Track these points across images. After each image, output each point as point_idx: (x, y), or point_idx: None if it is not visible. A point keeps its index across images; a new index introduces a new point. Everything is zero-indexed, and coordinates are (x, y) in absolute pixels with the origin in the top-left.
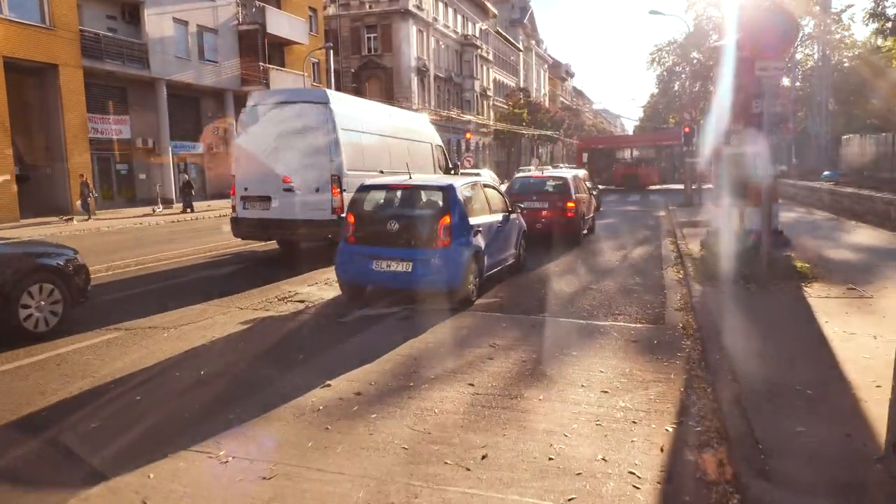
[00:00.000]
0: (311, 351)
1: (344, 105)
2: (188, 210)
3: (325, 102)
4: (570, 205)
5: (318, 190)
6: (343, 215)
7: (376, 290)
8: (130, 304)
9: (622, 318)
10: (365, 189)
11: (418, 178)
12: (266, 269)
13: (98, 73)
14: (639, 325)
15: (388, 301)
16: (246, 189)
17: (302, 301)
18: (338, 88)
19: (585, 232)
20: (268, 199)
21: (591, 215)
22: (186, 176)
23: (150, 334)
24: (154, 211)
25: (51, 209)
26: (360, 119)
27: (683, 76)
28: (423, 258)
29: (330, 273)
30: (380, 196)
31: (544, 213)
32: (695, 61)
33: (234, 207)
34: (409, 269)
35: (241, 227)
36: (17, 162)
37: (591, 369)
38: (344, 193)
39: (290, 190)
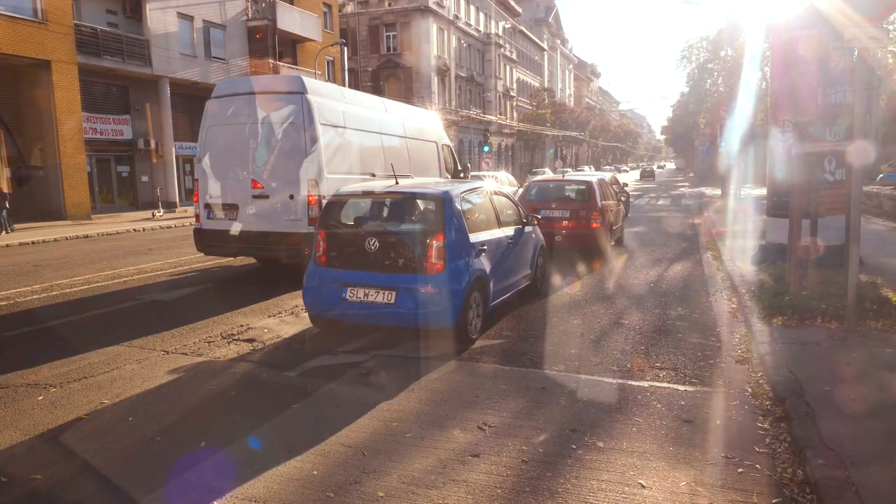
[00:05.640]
0: (222, 432)
1: (325, 95)
2: (3, 231)
3: (301, 92)
4: (596, 214)
5: (292, 197)
6: None
7: (353, 326)
8: (28, 344)
9: (666, 376)
10: (339, 197)
11: (406, 185)
12: (229, 291)
13: (96, 70)
14: (690, 389)
15: (359, 344)
16: (210, 196)
17: (251, 340)
18: (356, 88)
19: (613, 243)
20: (235, 207)
21: (620, 224)
22: None
23: (18, 397)
24: (154, 215)
25: (44, 213)
26: (346, 112)
27: (715, 73)
28: (410, 286)
29: (301, 299)
30: (358, 207)
31: (565, 223)
32: (728, 58)
33: (197, 217)
34: (392, 300)
35: (204, 240)
36: (10, 163)
37: (626, 480)
38: (325, 201)
39: (260, 197)
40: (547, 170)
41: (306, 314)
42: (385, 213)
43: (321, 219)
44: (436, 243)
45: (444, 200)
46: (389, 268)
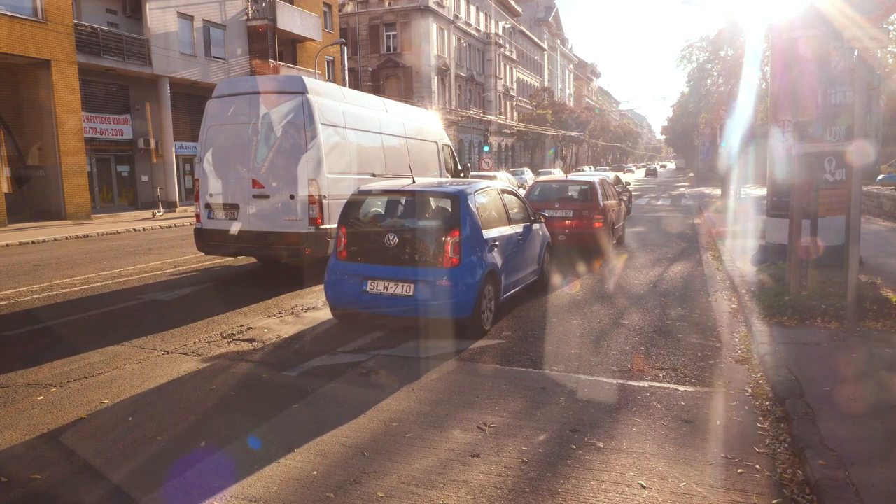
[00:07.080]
0: (222, 432)
1: (325, 95)
2: None
3: (302, 92)
4: (598, 216)
5: (292, 196)
6: (322, 226)
7: (355, 325)
8: (28, 343)
9: (666, 376)
10: (360, 195)
11: (423, 183)
12: (229, 291)
13: (96, 69)
14: (690, 389)
15: (359, 344)
16: (211, 195)
17: (251, 340)
18: (356, 88)
19: (614, 242)
20: (235, 207)
21: (621, 223)
22: None
23: (18, 397)
24: (154, 215)
25: (44, 213)
26: (346, 112)
27: (715, 73)
28: (428, 279)
29: (301, 299)
30: (377, 204)
31: (568, 222)
32: (728, 58)
33: (197, 216)
34: (411, 293)
35: (205, 239)
36: (10, 163)
37: (625, 480)
38: (325, 200)
39: (261, 196)
40: (527, 170)
41: (306, 314)
42: (403, 210)
43: (342, 215)
44: (452, 239)
45: (460, 198)
46: (408, 262)
